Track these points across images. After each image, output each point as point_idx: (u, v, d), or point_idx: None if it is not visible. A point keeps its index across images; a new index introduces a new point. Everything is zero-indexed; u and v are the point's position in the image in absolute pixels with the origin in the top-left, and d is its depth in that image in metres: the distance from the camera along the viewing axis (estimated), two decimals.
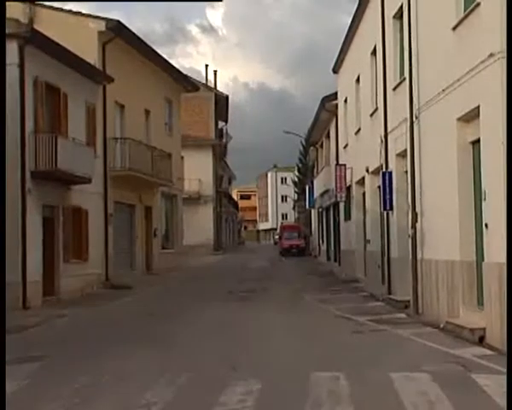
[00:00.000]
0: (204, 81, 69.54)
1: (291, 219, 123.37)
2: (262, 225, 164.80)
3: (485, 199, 14.69)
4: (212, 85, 73.10)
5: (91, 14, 33.72)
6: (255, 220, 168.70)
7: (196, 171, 62.52)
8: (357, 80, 31.47)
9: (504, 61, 13.33)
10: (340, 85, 38.44)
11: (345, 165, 35.71)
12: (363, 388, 10.38)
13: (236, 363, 12.67)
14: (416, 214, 19.48)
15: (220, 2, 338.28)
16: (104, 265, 31.87)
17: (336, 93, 39.62)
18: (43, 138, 25.33)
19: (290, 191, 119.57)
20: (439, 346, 14.15)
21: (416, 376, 11.05)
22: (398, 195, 22.38)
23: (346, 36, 33.36)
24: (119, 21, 33.12)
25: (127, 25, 34.10)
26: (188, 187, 58.92)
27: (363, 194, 31.02)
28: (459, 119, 16.17)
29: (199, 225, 62.76)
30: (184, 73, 47.91)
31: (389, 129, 23.59)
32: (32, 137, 24.95)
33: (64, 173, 26.18)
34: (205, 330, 18.09)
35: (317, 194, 53.90)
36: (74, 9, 33.12)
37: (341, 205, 39.20)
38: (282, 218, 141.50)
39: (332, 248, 48.15)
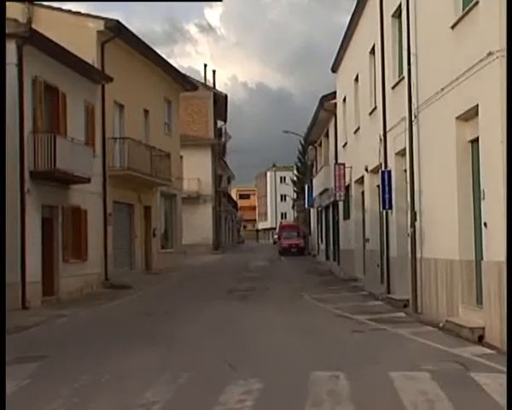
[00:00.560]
0: (203, 81, 69.54)
1: (290, 218, 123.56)
2: (261, 225, 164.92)
3: (483, 198, 14.72)
4: (211, 85, 73.12)
5: (90, 13, 33.80)
6: (254, 220, 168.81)
7: (195, 170, 62.53)
8: (356, 79, 31.49)
9: (503, 60, 13.36)
10: (339, 84, 38.46)
11: (344, 164, 35.70)
12: (362, 387, 10.40)
13: (236, 362, 12.67)
14: (415, 213, 19.50)
15: (219, 2, 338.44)
16: (103, 264, 31.88)
17: (335, 92, 39.65)
18: (42, 138, 25.32)
19: (289, 190, 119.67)
20: (439, 345, 14.18)
21: (415, 375, 11.06)
22: (398, 194, 22.40)
23: (345, 35, 33.37)
24: (117, 21, 33.09)
25: (126, 24, 34.18)
26: (187, 187, 58.92)
27: (363, 193, 31.05)
28: (458, 118, 16.21)
29: (198, 225, 62.80)
30: (183, 72, 48.05)
31: (388, 128, 23.61)
32: (30, 137, 24.94)
33: (63, 173, 26.16)
34: (204, 329, 18.12)
35: (316, 193, 53.91)
36: (73, 9, 33.13)
37: (340, 204, 39.24)
38: (281, 217, 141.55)
39: (331, 247, 48.17)
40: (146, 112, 39.02)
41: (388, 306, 21.79)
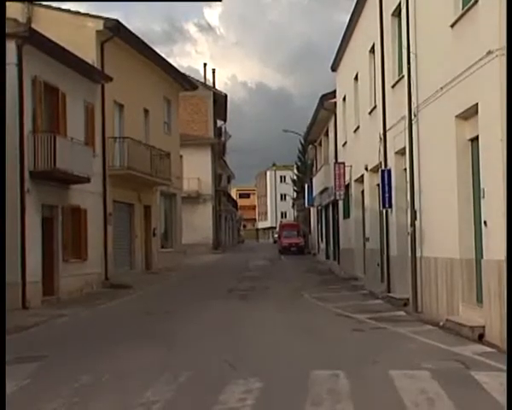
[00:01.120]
0: (202, 80, 69.58)
1: (290, 217, 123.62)
2: (261, 224, 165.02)
3: (483, 197, 14.74)
4: (211, 84, 73.18)
5: (89, 13, 33.83)
6: (254, 219, 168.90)
7: (195, 170, 62.58)
8: (356, 78, 31.51)
9: (503, 59, 13.38)
10: (339, 83, 38.48)
11: (344, 163, 35.73)
12: (363, 386, 10.41)
13: (236, 361, 12.68)
14: (415, 212, 19.52)
15: (218, 2, 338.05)
16: (103, 264, 31.91)
17: (335, 91, 39.70)
18: (42, 138, 25.34)
19: (289, 190, 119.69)
20: (439, 344, 14.21)
21: (415, 373, 11.07)
22: (397, 192, 22.43)
23: (345, 34, 33.41)
24: (117, 21, 33.10)
25: (125, 24, 34.20)
26: (187, 186, 58.97)
27: (362, 192, 31.07)
28: (458, 116, 16.22)
29: (198, 224, 62.85)
30: (183, 71, 48.13)
31: (388, 127, 23.64)
32: (30, 137, 24.97)
33: (63, 173, 26.19)
34: (204, 328, 18.13)
35: (315, 192, 53.96)
36: (72, 9, 33.14)
37: (340, 203, 39.27)
38: (281, 216, 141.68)
39: (331, 246, 48.21)
40: (146, 111, 39.05)
41: (388, 305, 21.80)
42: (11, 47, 24.03)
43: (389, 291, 23.60)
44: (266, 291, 28.29)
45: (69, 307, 24.01)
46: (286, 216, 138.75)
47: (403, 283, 21.43)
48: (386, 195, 22.94)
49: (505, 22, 12.82)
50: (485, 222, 14.60)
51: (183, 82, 46.81)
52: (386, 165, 23.70)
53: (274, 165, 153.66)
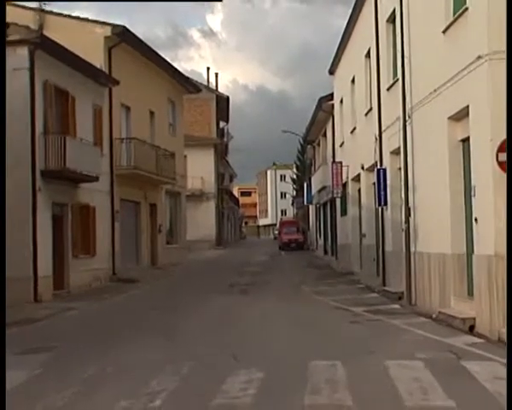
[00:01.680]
0: (205, 83, 69.54)
1: (290, 214, 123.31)
2: (262, 221, 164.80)
3: (474, 195, 14.76)
4: (214, 87, 73.05)
5: (98, 20, 33.76)
6: (255, 216, 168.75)
7: (199, 169, 62.45)
8: (353, 81, 31.51)
9: (492, 63, 13.44)
10: (336, 86, 38.46)
11: (341, 162, 35.71)
12: (359, 375, 10.40)
13: (238, 353, 12.66)
14: (410, 209, 19.52)
15: (220, 9, 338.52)
16: (111, 259, 31.95)
17: (332, 94, 39.65)
18: (53, 139, 25.43)
19: (289, 188, 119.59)
20: (432, 335, 14.21)
21: (409, 363, 11.09)
22: (392, 191, 22.44)
23: (342, 39, 33.39)
24: (124, 27, 33.16)
25: (132, 30, 34.24)
26: (191, 185, 58.91)
27: (359, 190, 31.07)
28: (450, 118, 16.24)
29: (201, 221, 62.72)
30: (187, 75, 48.00)
31: (383, 128, 23.65)
32: (41, 138, 25.04)
33: (72, 172, 26.26)
34: (208, 321, 18.13)
35: (314, 190, 53.87)
36: (81, 16, 33.21)
37: (338, 201, 39.23)
38: (282, 213, 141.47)
39: (329, 242, 48.15)
40: (151, 113, 39.02)
41: (384, 298, 21.80)
42: (24, 53, 24.23)
43: (384, 285, 23.61)
44: (267, 285, 28.26)
45: (79, 300, 24.05)
46: (286, 213, 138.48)
47: (397, 277, 21.44)
48: (382, 193, 22.97)
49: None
50: (475, 219, 14.63)
51: (187, 85, 46.77)
52: (381, 164, 23.70)
53: (274, 164, 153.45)
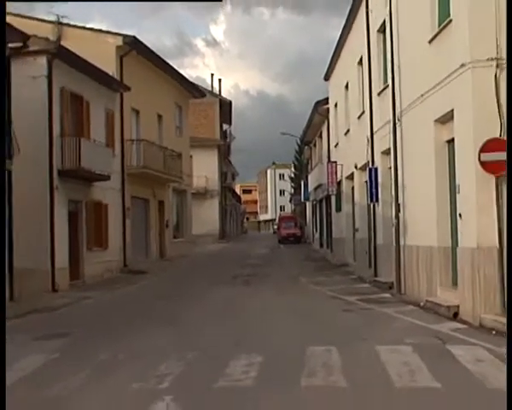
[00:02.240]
0: (209, 88, 69.37)
1: (288, 210, 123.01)
2: (262, 217, 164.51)
3: (458, 192, 14.79)
4: (217, 92, 72.90)
5: (110, 30, 33.89)
6: (256, 212, 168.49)
7: (203, 168, 62.35)
8: (346, 87, 31.47)
9: (474, 70, 13.49)
10: (331, 91, 38.40)
11: (336, 162, 35.64)
12: (352, 359, 10.41)
13: (240, 339, 12.70)
14: (399, 206, 19.55)
15: (222, 20, 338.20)
16: (122, 252, 31.98)
17: (327, 98, 39.57)
18: (69, 141, 25.47)
19: (287, 186, 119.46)
20: (420, 322, 14.23)
21: (399, 348, 11.09)
22: (383, 188, 22.43)
23: (336, 48, 33.36)
24: (134, 37, 33.23)
25: (141, 40, 34.29)
26: (196, 183, 58.82)
27: (352, 188, 31.05)
28: (436, 121, 16.27)
29: (206, 217, 62.62)
30: (192, 81, 47.98)
31: (375, 130, 23.63)
32: (58, 140, 25.07)
33: (87, 171, 26.29)
34: (211, 310, 18.09)
35: (311, 188, 53.83)
36: (95, 27, 33.24)
37: (333, 198, 39.17)
38: (280, 209, 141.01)
39: (324, 236, 48.04)
40: (159, 116, 39.00)
41: (375, 288, 21.77)
42: (42, 62, 24.38)
43: (376, 276, 23.61)
44: (267, 276, 28.13)
45: (93, 290, 24.06)
46: (284, 209, 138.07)
47: (388, 268, 21.45)
48: (374, 190, 22.97)
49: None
50: (459, 214, 14.66)
51: (193, 90, 46.76)
52: (373, 163, 23.69)
53: (273, 164, 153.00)
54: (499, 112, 13.32)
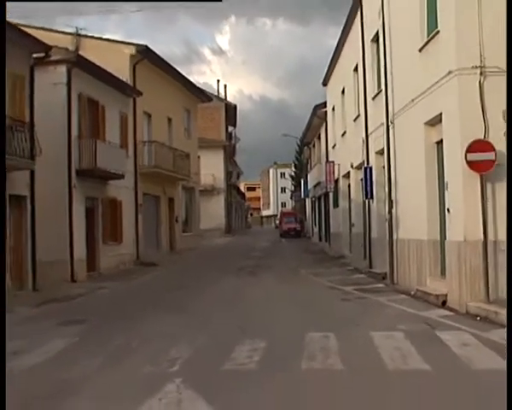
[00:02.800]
0: (216, 93, 69.22)
1: (289, 206, 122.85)
2: (265, 212, 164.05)
3: (447, 189, 14.83)
4: (223, 97, 72.75)
5: (124, 40, 34.03)
6: (259, 208, 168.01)
7: (210, 167, 62.17)
8: (343, 92, 31.47)
9: (460, 77, 13.56)
10: (329, 96, 38.41)
11: (333, 161, 35.66)
12: (349, 344, 10.42)
13: (244, 326, 12.72)
14: (392, 202, 19.56)
15: (227, 30, 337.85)
16: (135, 246, 32.02)
17: (325, 102, 39.56)
18: (86, 142, 25.54)
19: (288, 184, 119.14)
20: (411, 309, 14.26)
21: (391, 334, 11.11)
22: (377, 186, 22.44)
23: (333, 56, 33.38)
24: (146, 46, 33.32)
25: (153, 49, 34.37)
26: (203, 181, 58.54)
27: (349, 185, 31.04)
28: (426, 123, 16.30)
29: (213, 213, 62.49)
30: (199, 87, 47.91)
31: (369, 131, 23.62)
32: (76, 142, 25.13)
33: (102, 171, 26.36)
34: (219, 298, 18.15)
35: (310, 186, 53.71)
36: (111, 38, 33.26)
37: (331, 195, 39.12)
38: (282, 206, 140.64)
39: (323, 230, 48.00)
40: (169, 120, 39.00)
41: (370, 278, 21.78)
42: (62, 70, 24.55)
43: (371, 267, 23.63)
44: (270, 268, 28.06)
45: (108, 281, 24.14)
46: (285, 205, 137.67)
47: (382, 260, 21.47)
48: (369, 188, 22.97)
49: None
50: (448, 210, 14.71)
51: (200, 95, 46.73)
52: (368, 163, 23.70)
53: (275, 163, 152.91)
54: (483, 116, 13.43)
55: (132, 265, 30.61)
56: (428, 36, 15.85)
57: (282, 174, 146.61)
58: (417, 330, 11.51)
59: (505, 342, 10.02)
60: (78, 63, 25.27)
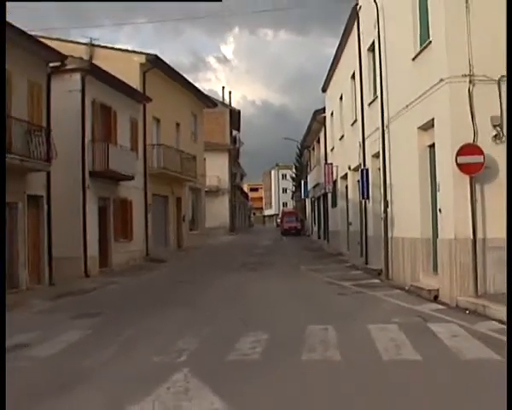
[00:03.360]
0: (221, 99, 69.26)
1: (290, 206, 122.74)
2: (267, 212, 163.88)
3: (439, 190, 14.85)
4: (227, 103, 72.80)
5: (135, 50, 34.10)
6: (261, 208, 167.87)
7: (215, 169, 62.21)
8: (341, 98, 31.48)
9: (452, 84, 13.59)
10: (328, 102, 38.41)
11: (332, 164, 35.67)
12: (346, 336, 10.42)
13: (248, 319, 12.69)
14: (387, 202, 19.56)
15: (232, 40, 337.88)
16: (145, 243, 32.08)
17: (324, 108, 39.56)
18: (98, 146, 25.65)
19: (289, 185, 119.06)
20: (405, 303, 14.27)
21: (387, 326, 11.10)
22: (373, 187, 22.48)
23: (332, 64, 33.39)
24: (155, 55, 33.42)
25: (162, 57, 34.40)
26: (209, 182, 58.62)
27: (346, 186, 31.04)
28: (419, 128, 16.31)
29: (217, 212, 62.47)
30: (205, 93, 47.96)
31: (366, 135, 23.68)
32: (90, 145, 25.25)
33: (114, 172, 26.46)
34: (223, 293, 18.13)
35: (310, 186, 53.69)
36: (122, 47, 33.42)
37: (329, 195, 39.10)
38: (283, 205, 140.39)
39: (322, 229, 48.02)
40: (177, 124, 39.03)
41: (366, 274, 21.78)
42: (77, 78, 24.73)
43: (367, 264, 23.66)
44: (271, 264, 28.08)
45: (119, 276, 24.22)
46: (286, 205, 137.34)
47: (377, 257, 21.48)
48: (365, 189, 23.01)
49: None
50: (439, 209, 14.72)
51: (206, 101, 46.75)
52: (364, 165, 23.73)
53: (277, 165, 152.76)
54: (472, 121, 13.47)
55: (142, 261, 30.63)
56: (421, 46, 15.89)
57: (284, 176, 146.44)
58: (411, 323, 11.51)
59: (493, 334, 10.15)
60: (92, 71, 25.40)
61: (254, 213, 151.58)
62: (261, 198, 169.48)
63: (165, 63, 35.22)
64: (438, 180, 14.95)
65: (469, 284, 13.37)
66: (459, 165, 13.34)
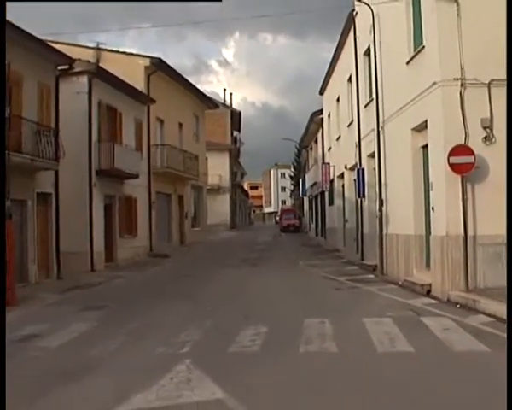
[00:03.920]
0: (222, 101, 69.21)
1: (288, 204, 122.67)
2: (266, 209, 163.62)
3: (431, 189, 14.89)
4: (228, 104, 72.75)
5: (140, 53, 34.12)
6: (261, 205, 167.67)
7: (217, 168, 62.20)
8: (338, 100, 31.48)
9: (444, 88, 13.63)
10: (325, 104, 38.40)
11: (329, 163, 35.62)
12: (342, 329, 10.43)
13: (248, 313, 12.67)
14: (382, 201, 19.61)
15: (233, 44, 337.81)
16: (149, 239, 32.08)
17: (322, 110, 39.57)
18: (104, 145, 25.66)
19: (288, 183, 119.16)
20: (398, 298, 14.26)
21: (381, 320, 11.10)
22: (369, 186, 22.45)
23: (329, 67, 33.39)
24: (160, 58, 33.48)
25: (166, 61, 34.42)
26: (210, 180, 58.48)
27: (343, 185, 31.03)
28: (413, 129, 16.33)
29: (219, 209, 62.41)
30: (208, 95, 47.95)
31: (362, 136, 23.63)
32: (96, 145, 25.26)
33: (119, 171, 26.45)
34: (224, 287, 18.13)
35: (308, 185, 53.66)
36: (128, 51, 33.38)
37: (326, 194, 39.15)
38: (282, 203, 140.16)
39: (319, 226, 48.01)
40: (180, 125, 39.01)
41: (362, 269, 21.77)
42: (84, 80, 24.75)
43: (362, 259, 23.63)
44: (271, 260, 28.08)
45: (124, 270, 24.20)
46: (285, 203, 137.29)
47: (372, 253, 21.46)
48: (361, 187, 23.00)
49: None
50: (432, 208, 14.77)
51: (208, 102, 46.72)
52: (360, 165, 23.70)
53: (276, 164, 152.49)
54: (464, 123, 13.52)
55: (146, 256, 30.63)
56: (415, 51, 15.92)
57: (283, 175, 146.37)
58: (404, 317, 11.52)
59: (483, 327, 10.18)
60: (98, 74, 25.45)
61: (254, 211, 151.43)
62: (261, 196, 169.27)
63: (168, 66, 35.22)
64: (430, 179, 14.98)
65: (460, 279, 13.41)
66: (451, 165, 13.38)
